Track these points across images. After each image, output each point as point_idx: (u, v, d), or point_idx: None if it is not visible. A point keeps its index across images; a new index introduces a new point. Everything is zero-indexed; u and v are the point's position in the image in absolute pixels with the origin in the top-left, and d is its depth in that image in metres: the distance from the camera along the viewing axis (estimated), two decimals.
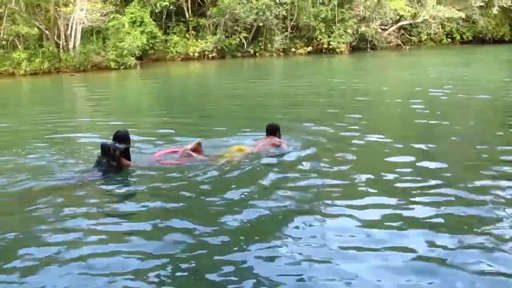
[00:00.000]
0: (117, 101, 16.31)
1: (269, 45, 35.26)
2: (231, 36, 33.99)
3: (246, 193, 5.56)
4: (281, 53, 35.65)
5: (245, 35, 34.04)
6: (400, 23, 41.22)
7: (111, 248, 4.25)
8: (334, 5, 35.91)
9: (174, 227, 4.67)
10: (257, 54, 35.08)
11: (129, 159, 6.51)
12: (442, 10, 40.55)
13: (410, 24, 42.63)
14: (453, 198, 5.24)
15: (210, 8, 33.39)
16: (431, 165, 6.47)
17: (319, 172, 6.28)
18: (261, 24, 33.88)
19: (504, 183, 5.67)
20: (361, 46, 38.55)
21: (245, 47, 34.58)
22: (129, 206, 5.48)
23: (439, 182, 5.75)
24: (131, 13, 30.59)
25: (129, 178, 6.33)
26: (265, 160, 6.83)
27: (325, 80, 20.11)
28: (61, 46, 27.03)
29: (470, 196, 5.29)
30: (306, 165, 6.54)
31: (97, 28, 28.31)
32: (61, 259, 4.06)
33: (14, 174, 6.42)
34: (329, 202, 5.24)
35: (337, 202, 5.23)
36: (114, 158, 6.36)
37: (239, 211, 5.01)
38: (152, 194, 5.72)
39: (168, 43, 33.33)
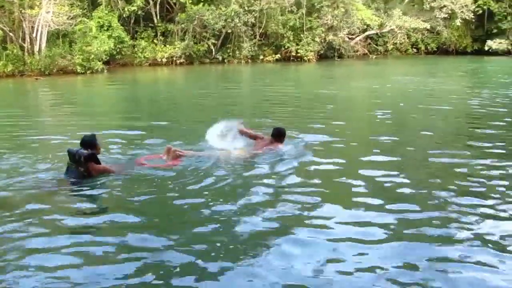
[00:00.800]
0: (83, 105, 16.23)
1: (237, 52, 35.51)
2: (199, 43, 34.14)
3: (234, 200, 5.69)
4: (249, 60, 35.94)
5: (213, 41, 34.23)
6: (367, 33, 42.12)
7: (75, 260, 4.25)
8: (303, 13, 36.44)
9: (145, 238, 4.67)
10: (225, 60, 35.29)
11: (98, 164, 6.44)
12: (408, 21, 41.70)
13: (377, 33, 43.61)
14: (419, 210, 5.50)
15: (179, 14, 33.45)
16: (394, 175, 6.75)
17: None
18: (229, 31, 34.15)
19: (465, 197, 5.93)
20: (329, 54, 39.21)
21: (214, 53, 34.77)
22: (96, 218, 5.35)
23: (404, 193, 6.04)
24: (99, 17, 30.42)
25: (100, 185, 6.24)
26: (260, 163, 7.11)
27: (291, 87, 20.43)
28: (25, 49, 26.65)
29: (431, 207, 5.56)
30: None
31: (63, 32, 28.00)
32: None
33: None
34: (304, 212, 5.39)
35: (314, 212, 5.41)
36: (81, 164, 6.28)
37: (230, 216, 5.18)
38: (123, 202, 5.72)
39: (135, 48, 33.22)
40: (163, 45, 33.80)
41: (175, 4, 34.12)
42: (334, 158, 7.48)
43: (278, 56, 36.98)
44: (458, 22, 43.18)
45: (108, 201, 5.88)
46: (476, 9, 43.89)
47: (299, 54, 36.94)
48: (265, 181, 6.37)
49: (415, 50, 46.51)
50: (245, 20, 34.04)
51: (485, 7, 44.57)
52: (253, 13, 34.50)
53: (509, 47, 43.88)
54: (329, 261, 4.23)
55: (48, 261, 4.21)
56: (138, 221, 5.12)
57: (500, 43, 43.90)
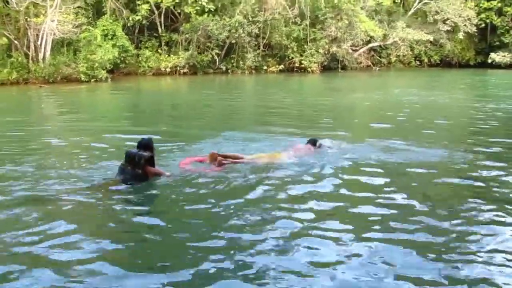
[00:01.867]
0: (87, 113, 16.33)
1: (241, 62, 35.66)
2: (203, 53, 34.31)
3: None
4: (253, 71, 36.08)
5: (217, 51, 34.40)
6: (371, 45, 42.34)
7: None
8: (306, 25, 36.65)
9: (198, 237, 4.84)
10: (229, 71, 35.44)
11: (153, 167, 6.60)
12: (411, 33, 41.89)
13: (380, 45, 43.83)
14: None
15: (183, 24, 33.68)
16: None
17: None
18: (233, 41, 34.32)
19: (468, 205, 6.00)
20: (332, 65, 39.38)
21: (217, 63, 34.94)
22: (151, 218, 5.46)
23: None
24: (103, 26, 30.61)
25: (155, 187, 6.41)
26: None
27: (295, 98, 20.54)
28: (30, 57, 26.85)
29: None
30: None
31: (68, 40, 28.22)
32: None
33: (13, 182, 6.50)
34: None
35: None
36: (139, 166, 6.40)
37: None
38: (180, 203, 5.90)
39: (140, 58, 33.43)
40: (167, 55, 33.97)
41: (179, 14, 34.37)
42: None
43: (281, 66, 37.14)
44: (461, 35, 43.40)
45: (161, 203, 6.07)
46: (479, 22, 44.21)
47: (302, 65, 37.13)
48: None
49: (418, 62, 46.70)
50: (249, 30, 34.27)
51: (487, 20, 44.94)
52: (257, 24, 34.71)
53: None
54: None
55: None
56: (189, 222, 5.30)
57: (504, 56, 44.12)
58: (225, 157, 7.42)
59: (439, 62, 46.92)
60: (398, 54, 44.46)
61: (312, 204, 5.81)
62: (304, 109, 16.79)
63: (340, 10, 37.19)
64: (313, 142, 8.55)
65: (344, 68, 39.63)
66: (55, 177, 6.77)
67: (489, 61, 44.48)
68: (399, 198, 6.07)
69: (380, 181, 6.75)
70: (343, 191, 6.32)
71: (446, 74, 37.56)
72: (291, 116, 14.23)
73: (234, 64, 35.69)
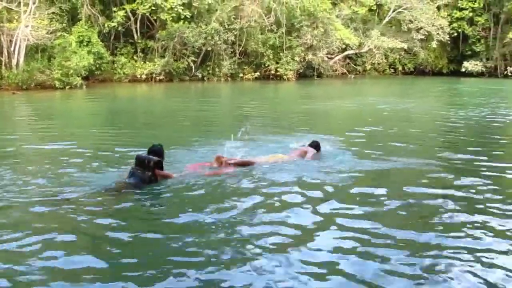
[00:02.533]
0: (60, 119, 16.30)
1: (217, 70, 35.81)
2: (179, 60, 34.40)
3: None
4: (229, 78, 36.27)
5: (193, 59, 34.51)
6: (346, 52, 42.97)
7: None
8: (282, 32, 37.02)
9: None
10: (205, 78, 35.57)
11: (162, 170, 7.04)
12: (386, 41, 42.68)
13: (355, 53, 44.53)
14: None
15: (159, 31, 33.73)
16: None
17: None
18: (209, 48, 34.48)
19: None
20: (308, 73, 39.84)
21: (193, 71, 35.03)
22: (165, 218, 5.80)
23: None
24: (79, 33, 30.50)
25: (164, 188, 6.81)
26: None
27: (270, 105, 20.79)
28: (3, 63, 26.62)
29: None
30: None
31: (42, 46, 28.04)
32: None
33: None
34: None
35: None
36: (149, 169, 6.83)
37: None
38: (190, 204, 6.22)
39: (115, 64, 33.38)
40: (143, 62, 33.97)
41: (155, 21, 34.43)
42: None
43: (257, 74, 37.43)
44: (434, 43, 44.42)
45: (169, 205, 6.40)
46: (451, 31, 45.29)
47: (278, 73, 37.47)
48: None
49: (392, 70, 47.60)
50: (225, 38, 34.44)
51: (459, 30, 46.09)
52: (233, 31, 34.92)
53: (483, 69, 45.26)
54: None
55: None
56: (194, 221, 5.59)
57: (476, 64, 45.27)
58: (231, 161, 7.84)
59: (413, 70, 47.91)
60: (373, 62, 45.22)
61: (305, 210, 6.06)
62: (280, 116, 17.01)
63: (316, 18, 37.73)
64: (315, 146, 8.95)
65: (319, 75, 40.14)
66: (20, 184, 6.91)
67: (462, 69, 45.60)
68: (375, 205, 6.27)
69: (353, 189, 6.97)
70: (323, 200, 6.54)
71: (419, 82, 38.40)
72: (267, 123, 14.39)
73: (210, 71, 35.83)
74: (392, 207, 6.16)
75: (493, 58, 45.63)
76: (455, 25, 45.86)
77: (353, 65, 45.35)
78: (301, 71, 39.14)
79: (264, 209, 6.00)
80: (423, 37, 44.14)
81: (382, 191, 6.83)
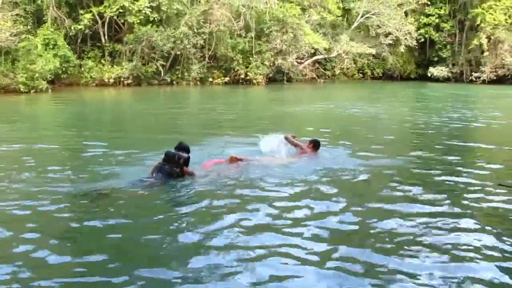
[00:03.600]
0: (24, 123, 16.10)
1: (186, 74, 35.81)
2: (147, 64, 34.29)
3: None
4: (198, 82, 36.29)
5: (162, 63, 34.46)
6: (315, 57, 43.49)
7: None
8: (252, 37, 37.31)
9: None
10: (174, 82, 35.51)
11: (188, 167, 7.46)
12: (355, 46, 43.40)
13: (325, 58, 45.13)
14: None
15: (127, 34, 33.57)
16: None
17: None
18: (178, 52, 34.46)
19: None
20: (278, 78, 40.19)
21: (162, 75, 34.97)
22: (195, 209, 6.27)
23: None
24: (44, 35, 30.13)
25: (193, 184, 7.27)
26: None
27: (239, 109, 20.94)
28: None
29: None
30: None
31: (6, 49, 27.57)
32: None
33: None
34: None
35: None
36: (178, 165, 7.27)
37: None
38: (212, 198, 6.64)
39: (82, 68, 33.03)
40: (110, 66, 33.70)
41: (123, 24, 34.27)
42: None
43: (227, 79, 37.54)
44: (402, 48, 45.42)
45: (195, 200, 6.71)
46: (419, 37, 46.42)
47: (248, 77, 37.72)
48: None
49: (361, 75, 48.38)
50: (194, 42, 34.49)
51: (426, 35, 47.32)
52: (202, 35, 35.00)
53: (449, 74, 46.43)
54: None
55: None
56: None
57: (441, 70, 46.43)
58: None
59: (381, 75, 48.85)
60: (342, 66, 45.92)
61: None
62: (249, 120, 17.14)
63: (285, 23, 38.13)
64: (314, 144, 9.42)
65: (289, 80, 40.54)
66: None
67: (429, 74, 46.68)
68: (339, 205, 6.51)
69: (322, 191, 7.19)
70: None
71: (388, 87, 39.16)
72: (236, 127, 14.52)
73: (179, 75, 35.82)
74: (347, 208, 6.35)
75: (458, 64, 46.85)
76: (422, 30, 47.06)
77: (322, 69, 45.94)
78: (271, 75, 39.47)
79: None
80: (391, 42, 45.11)
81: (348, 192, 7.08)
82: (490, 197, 6.90)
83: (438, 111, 20.07)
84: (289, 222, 5.80)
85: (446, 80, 45.99)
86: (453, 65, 47.16)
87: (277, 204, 6.45)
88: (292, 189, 7.17)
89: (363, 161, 9.05)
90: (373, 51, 44.26)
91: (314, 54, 42.68)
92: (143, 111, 19.78)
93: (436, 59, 48.09)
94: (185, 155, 7.37)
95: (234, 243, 5.10)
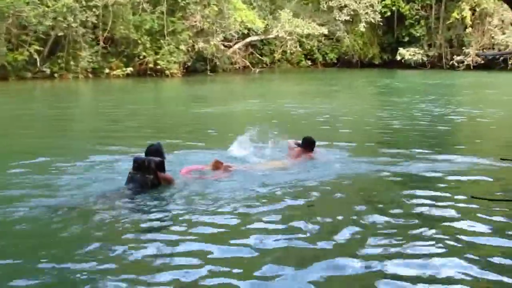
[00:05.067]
0: None
1: (72, 63, 35.07)
2: (17, 49, 33.21)
3: None
4: (90, 75, 35.70)
5: (37, 48, 33.44)
6: (249, 39, 43.65)
7: None
8: (162, 12, 36.91)
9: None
10: (55, 74, 34.61)
11: (164, 172, 7.79)
12: (300, 25, 43.56)
13: (261, 40, 45.22)
14: None
15: None
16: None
17: None
18: (61, 34, 33.67)
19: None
20: (199, 67, 40.21)
21: (38, 65, 33.91)
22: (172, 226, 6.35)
23: None
24: None
25: (168, 194, 7.46)
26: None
27: (145, 109, 20.51)
28: None
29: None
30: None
31: None
32: None
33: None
34: None
35: None
36: (149, 172, 7.55)
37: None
38: (193, 211, 6.77)
39: None
40: None
41: None
42: None
43: (130, 69, 37.12)
44: (362, 26, 46.19)
45: (172, 211, 6.88)
46: (384, 10, 47.27)
47: (159, 67, 37.36)
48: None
49: (310, 62, 48.89)
50: (83, 19, 33.86)
51: (394, 8, 48.12)
52: (94, 10, 34.36)
53: (424, 58, 47.51)
54: None
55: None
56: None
57: (415, 53, 47.43)
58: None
59: (336, 61, 49.54)
60: (284, 51, 46.17)
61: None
62: (158, 123, 16.79)
63: None
64: (308, 143, 9.94)
65: (214, 70, 40.54)
66: None
67: (398, 58, 47.63)
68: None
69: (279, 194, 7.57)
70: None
71: (344, 76, 39.64)
72: (141, 134, 14.10)
73: (63, 65, 35.00)
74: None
75: (436, 45, 48.19)
76: (388, 1, 47.90)
77: (258, 55, 46.15)
78: (189, 64, 39.42)
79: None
80: (348, 18, 45.79)
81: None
82: (461, 211, 7.09)
83: (407, 109, 20.23)
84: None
85: (421, 66, 47.09)
86: (429, 46, 48.55)
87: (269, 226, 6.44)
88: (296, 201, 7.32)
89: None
90: (325, 30, 44.71)
91: (247, 36, 42.72)
92: (11, 116, 18.97)
93: (407, 39, 49.21)
94: (156, 159, 7.66)
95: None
